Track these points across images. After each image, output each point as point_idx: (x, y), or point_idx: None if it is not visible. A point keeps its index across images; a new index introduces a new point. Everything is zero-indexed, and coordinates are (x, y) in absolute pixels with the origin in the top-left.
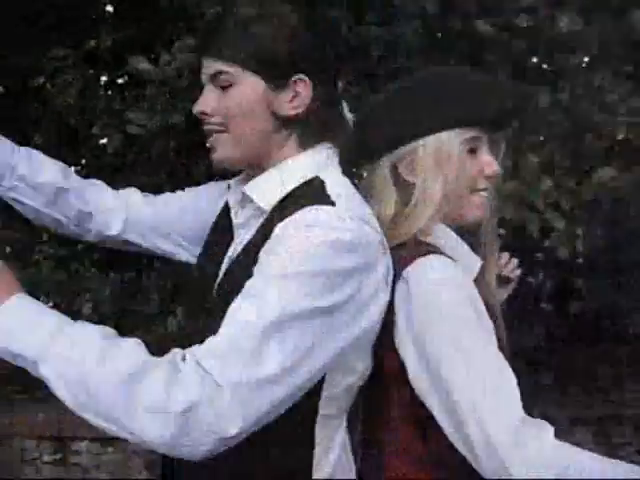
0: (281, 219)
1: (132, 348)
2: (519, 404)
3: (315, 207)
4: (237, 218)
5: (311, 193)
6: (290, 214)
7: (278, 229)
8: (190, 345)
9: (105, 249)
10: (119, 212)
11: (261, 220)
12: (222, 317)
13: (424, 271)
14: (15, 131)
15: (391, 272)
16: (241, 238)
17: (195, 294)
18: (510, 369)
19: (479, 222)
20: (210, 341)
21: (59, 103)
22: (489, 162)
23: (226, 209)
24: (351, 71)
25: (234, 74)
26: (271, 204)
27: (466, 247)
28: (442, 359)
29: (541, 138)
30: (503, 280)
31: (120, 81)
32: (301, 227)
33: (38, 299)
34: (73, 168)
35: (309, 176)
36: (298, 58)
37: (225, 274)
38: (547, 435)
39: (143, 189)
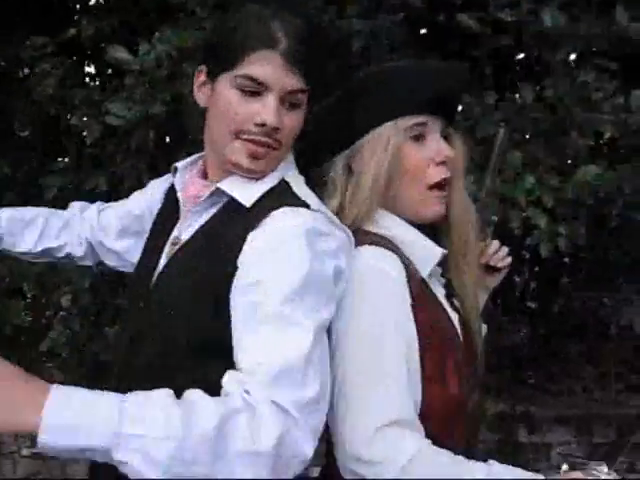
0: (257, 218)
1: (205, 403)
2: (387, 411)
3: (290, 209)
4: (188, 203)
5: (283, 194)
6: (265, 215)
7: (258, 234)
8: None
9: None
10: (83, 248)
11: (219, 207)
12: (166, 300)
13: (354, 260)
14: None
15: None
16: (190, 222)
17: (137, 278)
18: (395, 372)
19: (439, 218)
20: (264, 372)
21: (39, 92)
22: (439, 148)
23: (171, 192)
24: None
25: (306, 95)
26: (251, 201)
27: (424, 239)
28: (337, 345)
29: (527, 137)
30: (491, 269)
31: (99, 71)
32: (285, 232)
33: (20, 290)
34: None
35: (281, 178)
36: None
37: (174, 255)
38: (398, 451)
39: (123, 180)
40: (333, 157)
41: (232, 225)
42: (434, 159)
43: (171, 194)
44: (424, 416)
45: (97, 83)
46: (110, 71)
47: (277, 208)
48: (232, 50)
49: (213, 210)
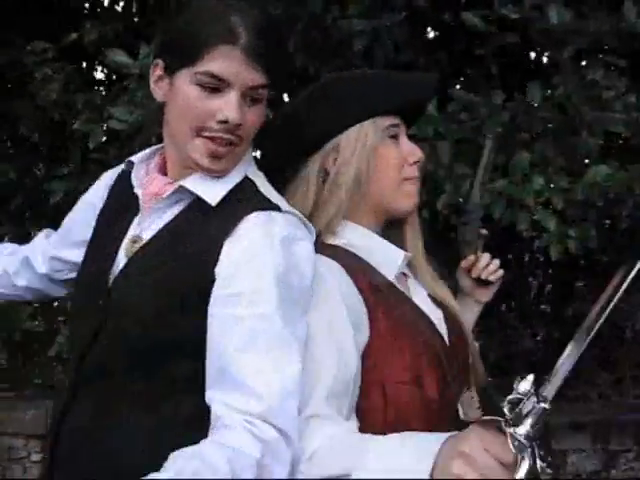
0: (229, 222)
1: (238, 461)
2: (313, 401)
3: (263, 214)
4: (148, 200)
5: (250, 194)
6: (238, 219)
7: (235, 245)
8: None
9: None
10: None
11: (183, 205)
12: (127, 299)
13: None
14: (4, 126)
15: None
16: (152, 220)
17: (87, 277)
18: (319, 372)
19: (411, 211)
20: (265, 400)
21: (43, 97)
22: (411, 149)
23: (121, 187)
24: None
25: (266, 90)
26: (216, 200)
27: (386, 243)
28: None
29: (534, 136)
30: (483, 283)
31: (101, 75)
32: (261, 243)
33: None
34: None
35: (243, 175)
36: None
37: (136, 254)
38: (308, 444)
39: None
40: (304, 157)
41: (200, 224)
42: (407, 159)
43: (122, 188)
44: (403, 420)
45: (101, 88)
46: (115, 76)
47: (249, 212)
48: (191, 46)
49: (177, 208)
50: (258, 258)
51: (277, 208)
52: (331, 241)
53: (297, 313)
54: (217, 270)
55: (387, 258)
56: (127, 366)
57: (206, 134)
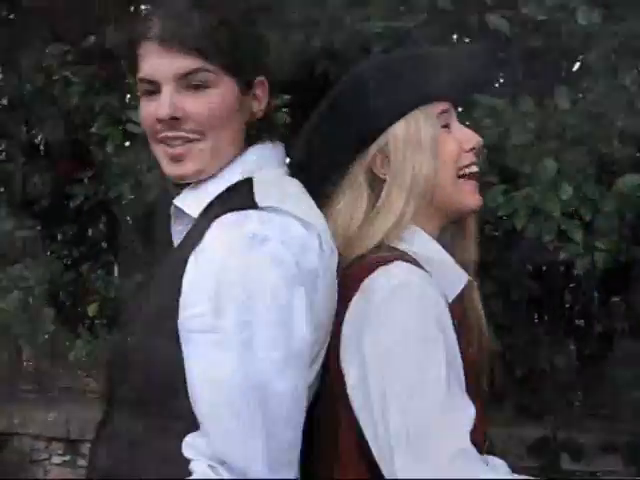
0: (203, 230)
1: None
2: (456, 437)
3: (236, 214)
4: (175, 227)
5: (235, 195)
6: (209, 224)
7: (198, 254)
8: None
9: (117, 252)
10: None
11: (189, 226)
12: (133, 331)
13: (383, 279)
14: (23, 130)
15: (333, 275)
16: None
17: None
18: (457, 396)
19: (475, 210)
20: (224, 445)
21: (64, 101)
22: (468, 135)
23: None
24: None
25: (213, 74)
26: (198, 211)
27: (451, 261)
28: (384, 374)
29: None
30: None
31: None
32: (220, 252)
33: (57, 296)
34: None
35: (240, 178)
36: (261, 59)
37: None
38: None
39: (148, 189)
40: (342, 164)
41: (186, 242)
42: (463, 146)
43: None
44: None
45: (115, 90)
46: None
47: (224, 213)
48: (129, 59)
49: (185, 231)
50: (213, 272)
51: (254, 206)
52: (398, 246)
53: (261, 333)
54: (183, 281)
55: (449, 279)
56: (143, 399)
57: (158, 137)
